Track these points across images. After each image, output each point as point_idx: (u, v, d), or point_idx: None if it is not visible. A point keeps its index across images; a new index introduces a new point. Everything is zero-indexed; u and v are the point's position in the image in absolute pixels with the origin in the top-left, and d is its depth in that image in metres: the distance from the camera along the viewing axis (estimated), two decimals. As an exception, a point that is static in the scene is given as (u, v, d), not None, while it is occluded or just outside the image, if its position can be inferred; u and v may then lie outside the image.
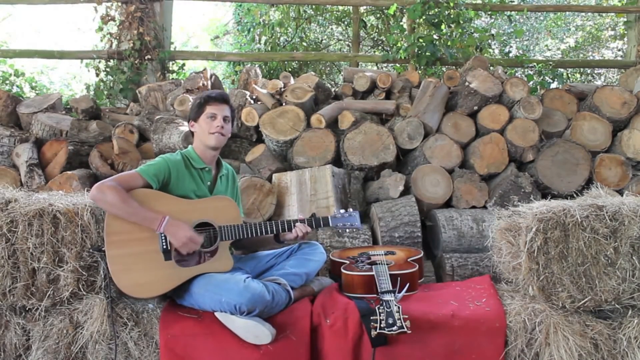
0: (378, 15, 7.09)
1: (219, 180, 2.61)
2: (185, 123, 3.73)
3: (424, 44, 5.15)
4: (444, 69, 5.46)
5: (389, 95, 4.16)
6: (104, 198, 2.25)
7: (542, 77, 5.48)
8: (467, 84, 3.73)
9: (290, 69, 6.30)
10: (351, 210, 2.61)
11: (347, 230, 2.59)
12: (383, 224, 3.14)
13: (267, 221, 2.52)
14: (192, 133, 2.63)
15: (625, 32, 6.34)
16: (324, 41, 7.78)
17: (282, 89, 3.91)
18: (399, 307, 2.09)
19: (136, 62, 5.09)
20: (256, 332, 2.13)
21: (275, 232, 2.51)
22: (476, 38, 5.45)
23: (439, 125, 3.72)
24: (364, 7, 6.46)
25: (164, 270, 2.31)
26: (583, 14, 7.93)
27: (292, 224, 2.51)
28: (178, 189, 2.44)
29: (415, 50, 5.20)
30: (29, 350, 2.34)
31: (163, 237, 2.31)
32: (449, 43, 5.24)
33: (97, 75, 5.26)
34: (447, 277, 3.03)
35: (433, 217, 3.35)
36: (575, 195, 3.06)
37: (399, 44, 5.60)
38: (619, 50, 7.75)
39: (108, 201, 2.25)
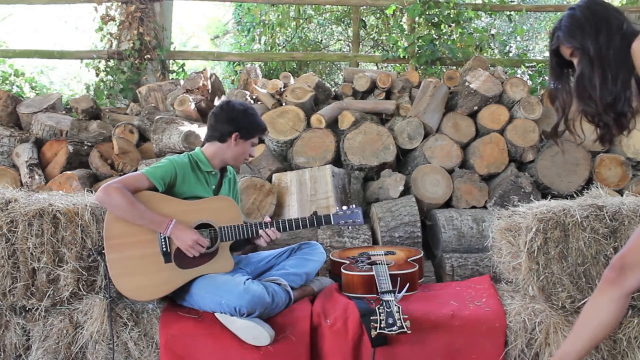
0: (378, 15, 7.09)
1: (224, 183, 2.60)
2: (186, 123, 3.73)
3: (423, 43, 5.15)
4: (444, 69, 5.46)
5: (389, 95, 4.16)
6: (110, 200, 2.25)
7: (542, 77, 5.48)
8: (467, 84, 3.73)
9: (290, 69, 6.30)
10: (353, 206, 2.57)
11: (350, 227, 2.58)
12: (383, 224, 3.14)
13: (264, 221, 2.50)
14: (222, 140, 2.52)
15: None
16: (323, 41, 7.78)
17: (282, 89, 3.91)
18: (399, 307, 2.09)
19: (136, 62, 5.09)
20: (255, 333, 2.13)
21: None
22: (476, 38, 5.45)
23: (439, 125, 3.72)
24: (364, 7, 6.46)
25: (164, 273, 2.30)
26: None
27: (292, 223, 2.50)
28: (183, 191, 2.43)
29: (415, 50, 5.20)
30: (29, 350, 2.34)
31: (163, 240, 2.31)
32: (448, 43, 5.23)
33: (97, 75, 5.26)
34: (447, 277, 3.03)
35: (433, 217, 3.35)
36: (575, 195, 3.06)
37: (398, 44, 5.60)
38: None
39: (114, 203, 2.25)
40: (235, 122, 2.50)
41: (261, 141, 3.79)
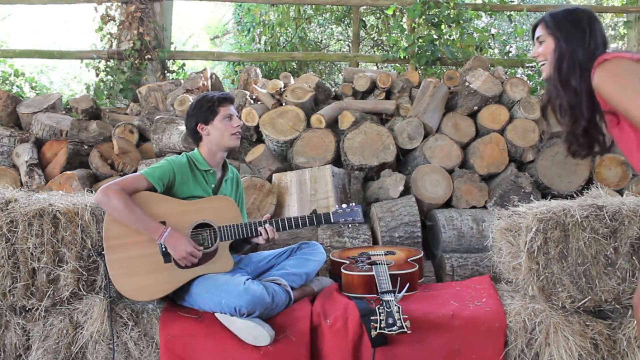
0: (378, 15, 7.09)
1: (223, 183, 2.60)
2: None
3: (423, 43, 5.15)
4: (444, 69, 5.46)
5: (389, 95, 4.16)
6: (108, 202, 2.25)
7: (541, 77, 5.47)
8: (467, 84, 3.73)
9: (290, 69, 6.30)
10: (353, 204, 2.56)
11: (349, 225, 2.57)
12: (383, 224, 3.14)
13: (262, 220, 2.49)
14: (199, 137, 2.55)
15: (625, 32, 6.34)
16: (323, 41, 7.78)
17: (282, 89, 3.91)
18: (399, 307, 2.09)
19: (136, 62, 5.09)
20: (255, 333, 2.13)
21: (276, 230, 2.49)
22: (476, 38, 5.45)
23: (439, 125, 3.72)
24: (364, 7, 6.46)
25: (164, 273, 2.30)
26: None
27: (292, 222, 2.50)
28: (182, 191, 2.43)
29: (415, 50, 5.20)
30: (29, 350, 2.34)
31: None
32: (448, 43, 5.23)
33: (97, 75, 5.26)
34: (447, 277, 3.03)
35: (433, 217, 3.35)
36: (575, 195, 3.06)
37: (399, 44, 5.60)
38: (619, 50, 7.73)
39: (112, 206, 2.25)
40: (191, 116, 2.55)
41: (258, 141, 3.80)
